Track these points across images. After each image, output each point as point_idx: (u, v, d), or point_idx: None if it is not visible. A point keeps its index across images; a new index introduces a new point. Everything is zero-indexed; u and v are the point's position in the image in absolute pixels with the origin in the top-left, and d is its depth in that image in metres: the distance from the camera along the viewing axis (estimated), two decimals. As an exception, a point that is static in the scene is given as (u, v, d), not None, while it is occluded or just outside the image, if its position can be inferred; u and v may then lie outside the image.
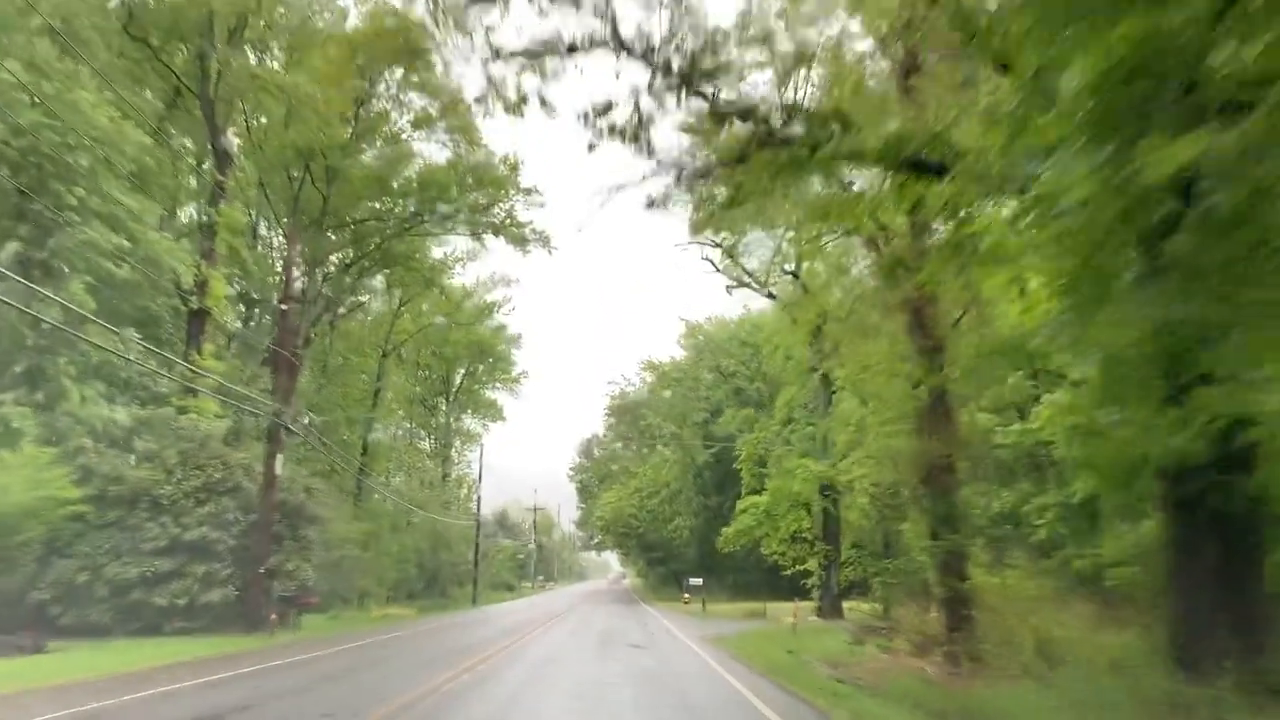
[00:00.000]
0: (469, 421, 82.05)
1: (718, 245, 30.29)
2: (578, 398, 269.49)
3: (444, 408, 76.64)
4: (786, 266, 29.77)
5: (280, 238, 43.02)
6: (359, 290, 51.71)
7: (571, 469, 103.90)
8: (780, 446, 31.36)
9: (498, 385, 79.56)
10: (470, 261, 57.58)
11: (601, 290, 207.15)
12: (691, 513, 59.33)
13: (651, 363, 64.10)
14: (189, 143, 37.22)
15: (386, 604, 48.97)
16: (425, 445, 77.49)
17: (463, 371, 75.86)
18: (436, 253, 56.95)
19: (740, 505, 31.97)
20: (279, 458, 26.22)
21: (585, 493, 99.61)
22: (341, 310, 53.46)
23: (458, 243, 57.25)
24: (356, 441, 55.42)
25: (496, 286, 59.99)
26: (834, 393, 29.04)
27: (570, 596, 74.81)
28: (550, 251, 44.16)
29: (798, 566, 34.11)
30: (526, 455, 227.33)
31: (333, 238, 44.44)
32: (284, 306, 26.79)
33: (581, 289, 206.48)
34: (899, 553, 30.05)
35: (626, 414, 76.44)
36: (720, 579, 56.84)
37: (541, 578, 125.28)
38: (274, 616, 25.17)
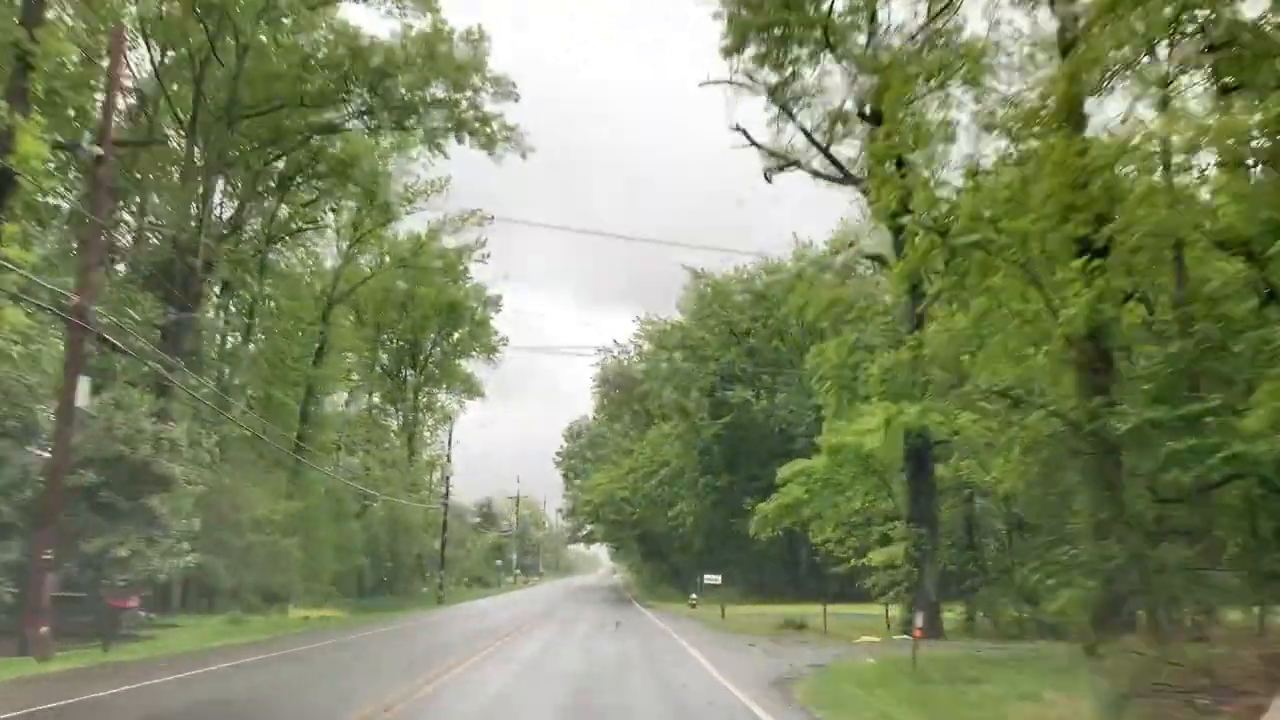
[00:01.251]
0: (444, 398, 72.21)
1: (762, 87, 20.84)
2: (571, 380, 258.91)
3: (411, 378, 66.86)
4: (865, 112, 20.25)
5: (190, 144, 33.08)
6: (296, 216, 42.08)
7: (558, 453, 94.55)
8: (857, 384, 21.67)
9: (474, 354, 69.66)
10: (434, 194, 47.81)
11: (597, 240, 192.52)
12: (695, 496, 49.88)
13: (649, 321, 54.53)
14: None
15: (323, 604, 39.44)
16: (393, 423, 67.75)
17: (433, 338, 66.08)
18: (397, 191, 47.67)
19: (783, 472, 22.43)
20: (83, 383, 16.66)
21: (573, 478, 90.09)
22: (279, 244, 43.94)
23: (420, 171, 47.89)
24: (292, 407, 45.79)
25: (465, 224, 50.16)
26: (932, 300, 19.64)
27: (554, 594, 65.33)
28: (524, 155, 34.79)
29: (857, 561, 24.82)
30: (514, 447, 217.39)
31: (272, 163, 34.81)
32: (99, 150, 17.28)
33: (574, 237, 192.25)
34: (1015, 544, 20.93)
35: (619, 386, 67.05)
36: (728, 575, 47.48)
37: (520, 571, 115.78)
38: (44, 629, 15.60)
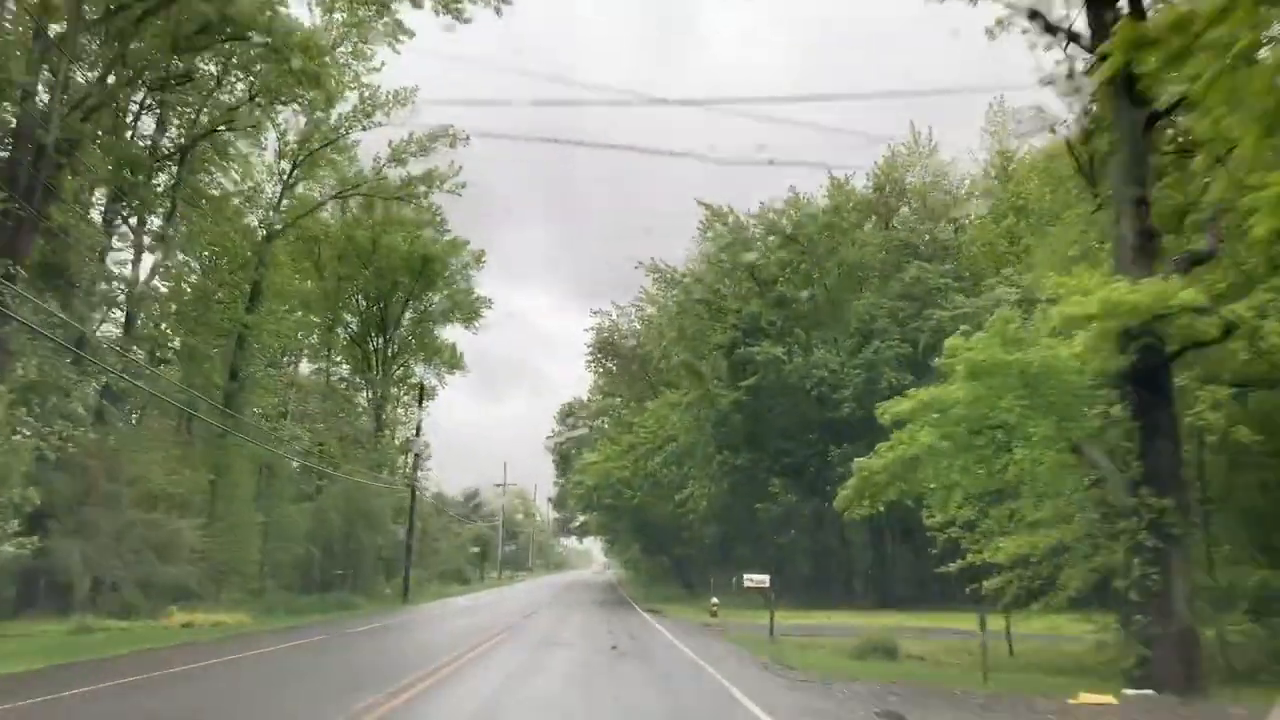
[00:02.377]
0: (421, 371, 63.34)
1: None
2: (566, 372, 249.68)
3: (379, 343, 58.10)
4: None
5: None
6: (223, 120, 33.30)
7: (549, 437, 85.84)
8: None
9: (454, 319, 61.01)
10: (398, 107, 39.09)
11: (591, 234, 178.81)
12: (709, 477, 41.26)
13: (655, 269, 45.63)
14: None
15: (240, 604, 30.79)
16: (362, 398, 59.01)
17: (402, 297, 57.25)
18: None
19: (893, 407, 13.19)
20: None
21: (565, 465, 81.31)
22: (208, 165, 35.20)
23: (380, 81, 39.25)
24: (217, 363, 37.27)
25: (436, 144, 41.36)
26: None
27: (539, 593, 56.69)
28: (499, 10, 26.20)
29: (981, 556, 16.45)
30: (506, 441, 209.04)
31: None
32: None
33: (567, 231, 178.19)
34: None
35: (618, 354, 58.56)
36: (741, 573, 38.94)
37: (510, 567, 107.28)
38: None
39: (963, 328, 15.87)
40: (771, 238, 42.15)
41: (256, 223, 39.77)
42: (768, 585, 22.29)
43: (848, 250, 40.95)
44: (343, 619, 28.98)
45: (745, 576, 23.30)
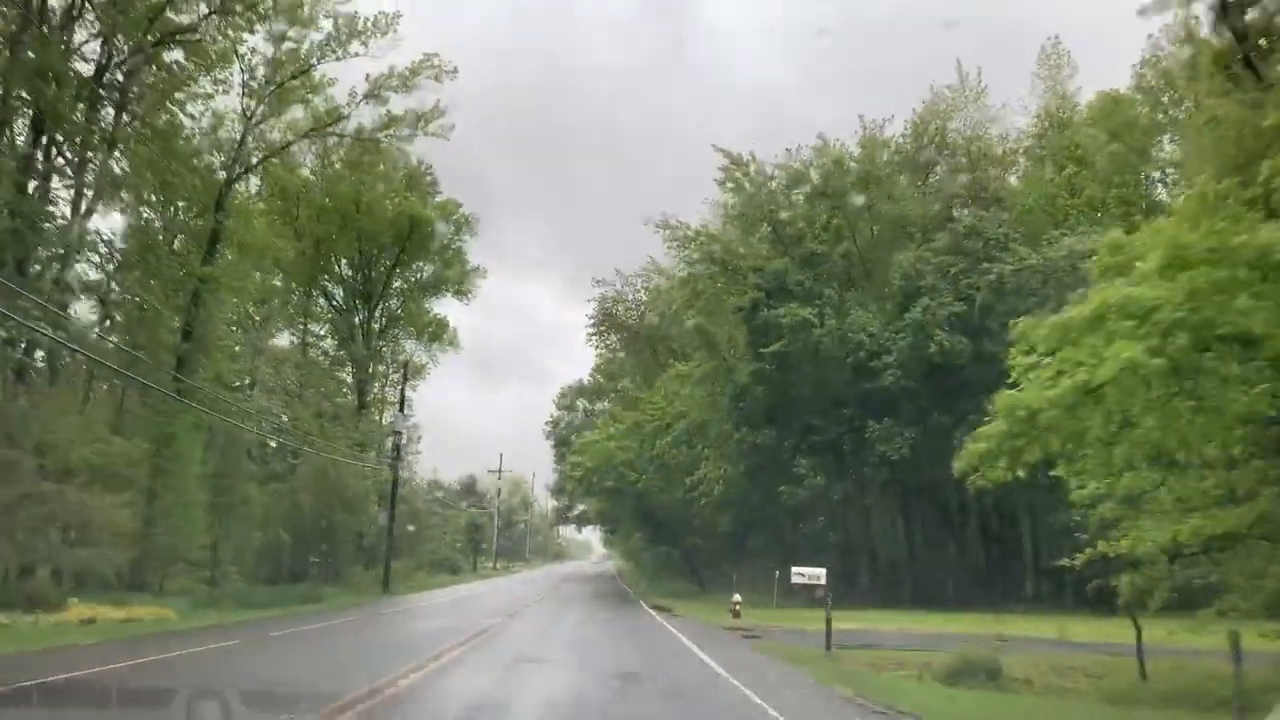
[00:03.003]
0: (411, 346, 58.59)
1: None
2: (569, 350, 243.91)
3: (364, 315, 53.48)
4: None
5: None
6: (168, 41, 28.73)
7: (548, 421, 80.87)
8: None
9: (445, 289, 56.49)
10: (377, 36, 34.39)
11: (590, 226, 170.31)
12: (724, 458, 36.64)
13: (666, 224, 40.55)
14: None
15: (163, 597, 26.19)
16: (346, 375, 54.36)
17: (389, 263, 52.57)
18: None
19: (1032, 325, 8.76)
20: None
21: (564, 451, 76.51)
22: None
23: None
24: (167, 320, 32.72)
25: (418, 78, 36.61)
26: None
27: (531, 586, 52.23)
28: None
29: (1119, 545, 12.14)
30: (506, 431, 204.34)
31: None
32: None
33: (566, 225, 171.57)
34: None
35: (623, 326, 53.95)
36: (762, 568, 34.52)
37: (504, 559, 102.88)
38: None
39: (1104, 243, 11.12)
40: (797, 193, 37.58)
41: (218, 164, 35.15)
42: (822, 583, 17.57)
43: (883, 204, 36.31)
44: (294, 615, 24.41)
45: (794, 571, 18.65)
